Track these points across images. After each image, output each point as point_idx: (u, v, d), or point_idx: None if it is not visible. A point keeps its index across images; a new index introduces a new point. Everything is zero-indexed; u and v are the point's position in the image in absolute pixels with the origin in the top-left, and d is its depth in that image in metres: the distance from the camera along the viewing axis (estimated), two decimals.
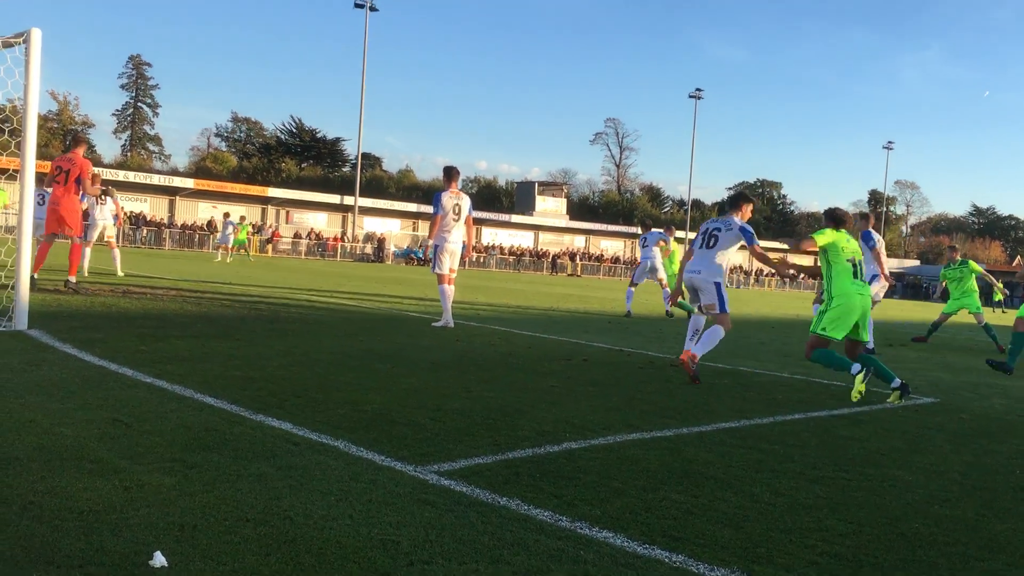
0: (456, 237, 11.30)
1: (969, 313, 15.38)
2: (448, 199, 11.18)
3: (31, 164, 7.95)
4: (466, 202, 11.39)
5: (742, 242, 8.63)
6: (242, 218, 39.01)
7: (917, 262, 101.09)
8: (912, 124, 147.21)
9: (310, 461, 4.00)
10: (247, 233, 38.81)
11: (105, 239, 17.08)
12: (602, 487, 3.95)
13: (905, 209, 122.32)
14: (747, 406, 6.57)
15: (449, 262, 11.28)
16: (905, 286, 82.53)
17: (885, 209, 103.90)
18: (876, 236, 11.74)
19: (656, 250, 16.63)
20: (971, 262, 15.36)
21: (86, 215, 15.18)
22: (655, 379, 7.67)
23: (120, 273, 16.49)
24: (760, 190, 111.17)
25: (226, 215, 35.59)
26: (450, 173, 11.40)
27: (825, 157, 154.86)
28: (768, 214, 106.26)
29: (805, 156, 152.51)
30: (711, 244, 8.56)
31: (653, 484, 4.07)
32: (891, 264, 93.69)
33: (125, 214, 19.76)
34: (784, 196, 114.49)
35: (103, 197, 15.94)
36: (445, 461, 4.19)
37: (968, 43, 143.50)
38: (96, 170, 12.40)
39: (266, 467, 3.84)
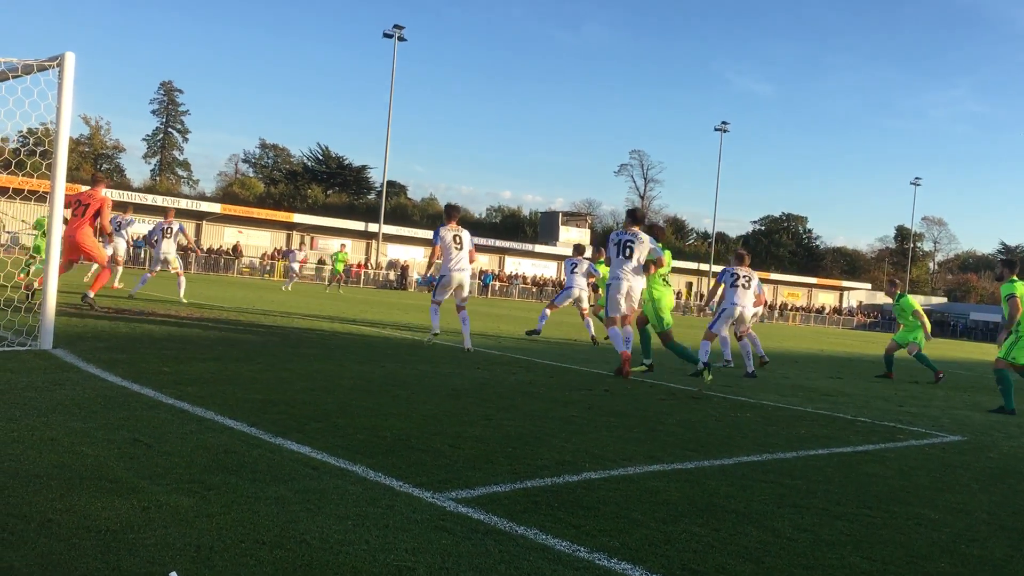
0: (460, 265, 12.00)
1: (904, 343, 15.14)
2: (447, 231, 11.98)
3: (61, 187, 8.06)
4: (466, 235, 12.22)
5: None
6: (342, 246, 37.53)
7: (944, 299, 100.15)
8: (940, 160, 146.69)
9: (328, 485, 3.99)
10: (343, 263, 36.30)
11: (171, 269, 17.67)
12: (621, 518, 3.90)
13: (933, 246, 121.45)
14: (770, 440, 6.49)
15: (456, 291, 12.18)
16: (933, 324, 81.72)
17: (912, 245, 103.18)
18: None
19: (583, 280, 16.26)
20: (908, 297, 15.32)
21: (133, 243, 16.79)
22: (677, 411, 7.61)
23: (184, 300, 16.89)
24: (785, 224, 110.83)
25: (342, 246, 34.00)
26: (450, 212, 12.36)
27: (851, 192, 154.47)
28: (793, 248, 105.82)
29: (831, 191, 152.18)
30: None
31: (673, 516, 4.01)
32: (918, 301, 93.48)
33: (191, 245, 19.70)
34: (810, 231, 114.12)
35: (115, 232, 16.94)
36: (463, 488, 4.16)
37: (996, 81, 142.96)
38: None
39: (284, 490, 3.83)
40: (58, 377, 6.38)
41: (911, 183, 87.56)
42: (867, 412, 8.79)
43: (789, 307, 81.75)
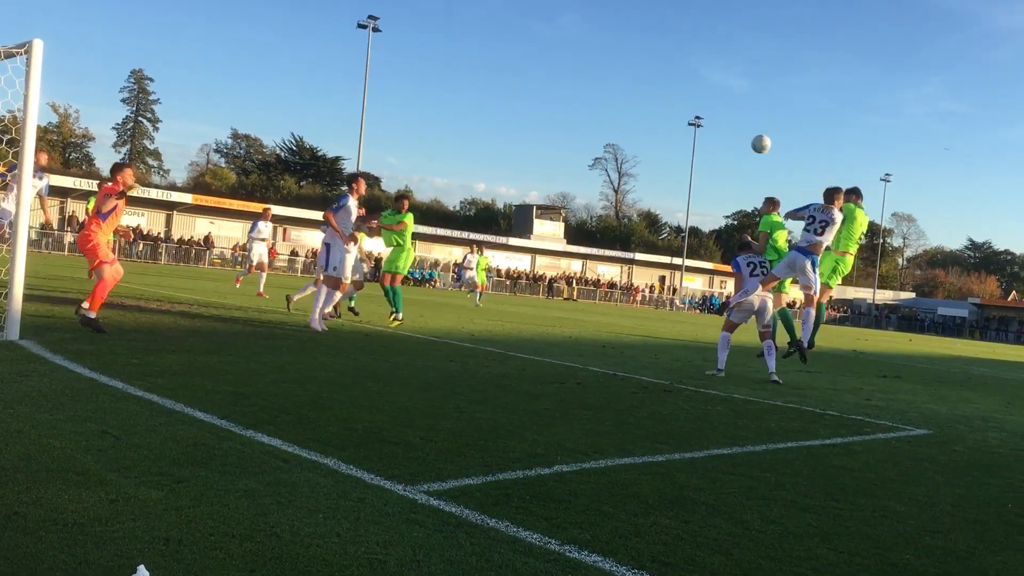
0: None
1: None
2: (353, 202, 12.04)
3: (28, 174, 7.95)
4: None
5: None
6: (479, 248, 30.05)
7: (913, 294, 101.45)
8: (910, 157, 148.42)
9: (299, 478, 3.98)
10: (484, 269, 29.96)
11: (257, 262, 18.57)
12: (592, 511, 3.92)
13: (902, 241, 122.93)
14: (739, 433, 6.55)
15: (355, 266, 12.38)
16: (900, 318, 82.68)
17: (882, 241, 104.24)
18: None
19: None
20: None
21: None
22: (648, 404, 7.65)
23: (265, 295, 17.68)
24: (758, 219, 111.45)
25: (473, 247, 28.62)
26: (356, 179, 12.58)
27: (823, 187, 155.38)
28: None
29: (804, 185, 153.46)
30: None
31: (644, 509, 4.04)
32: (887, 296, 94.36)
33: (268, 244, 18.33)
34: None
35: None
36: (435, 481, 4.16)
37: (968, 79, 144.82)
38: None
39: (254, 483, 3.81)
40: (24, 368, 6.30)
41: (881, 179, 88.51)
42: (835, 406, 8.89)
43: None
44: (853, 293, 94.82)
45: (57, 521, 3.10)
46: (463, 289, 27.68)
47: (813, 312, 10.95)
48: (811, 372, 12.98)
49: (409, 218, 14.43)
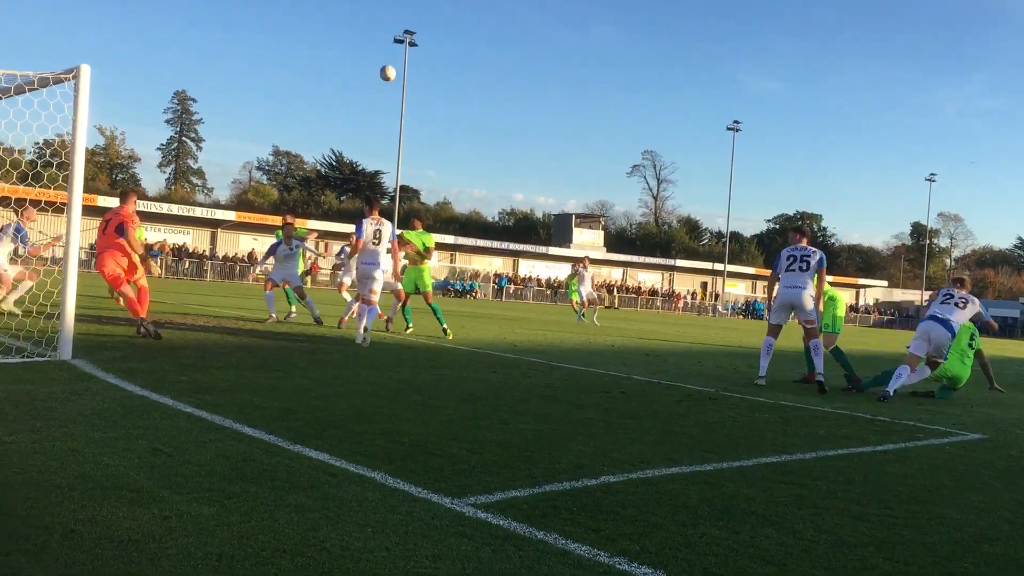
0: (375, 261, 12.07)
1: None
2: (368, 224, 12.01)
3: (78, 198, 8.13)
4: (387, 228, 12.24)
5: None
6: (586, 259, 27.24)
7: None
8: (955, 156, 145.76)
9: (347, 492, 4.00)
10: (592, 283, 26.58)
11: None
12: (641, 522, 3.89)
13: (949, 242, 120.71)
14: (789, 441, 6.46)
15: (365, 284, 12.05)
16: None
17: (928, 242, 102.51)
18: None
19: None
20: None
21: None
22: (694, 412, 7.58)
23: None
24: (800, 222, 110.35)
25: (584, 261, 26.08)
26: (371, 201, 12.65)
27: (866, 189, 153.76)
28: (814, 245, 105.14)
29: (845, 188, 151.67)
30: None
31: (693, 519, 4.00)
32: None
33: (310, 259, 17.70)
34: (824, 229, 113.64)
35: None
36: (482, 493, 4.16)
37: (1011, 76, 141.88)
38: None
39: (303, 498, 3.84)
40: (78, 387, 6.42)
41: (926, 179, 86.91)
42: (886, 411, 8.74)
43: None
44: (900, 295, 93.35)
45: (113, 538, 3.15)
46: (585, 305, 24.96)
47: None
48: (861, 376, 12.76)
49: (429, 239, 15.03)
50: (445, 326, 14.70)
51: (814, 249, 10.50)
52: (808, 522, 4.11)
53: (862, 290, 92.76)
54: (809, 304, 10.22)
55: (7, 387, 6.22)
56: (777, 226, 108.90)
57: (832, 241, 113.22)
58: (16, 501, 3.50)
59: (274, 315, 14.92)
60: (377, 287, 12.07)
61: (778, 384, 10.50)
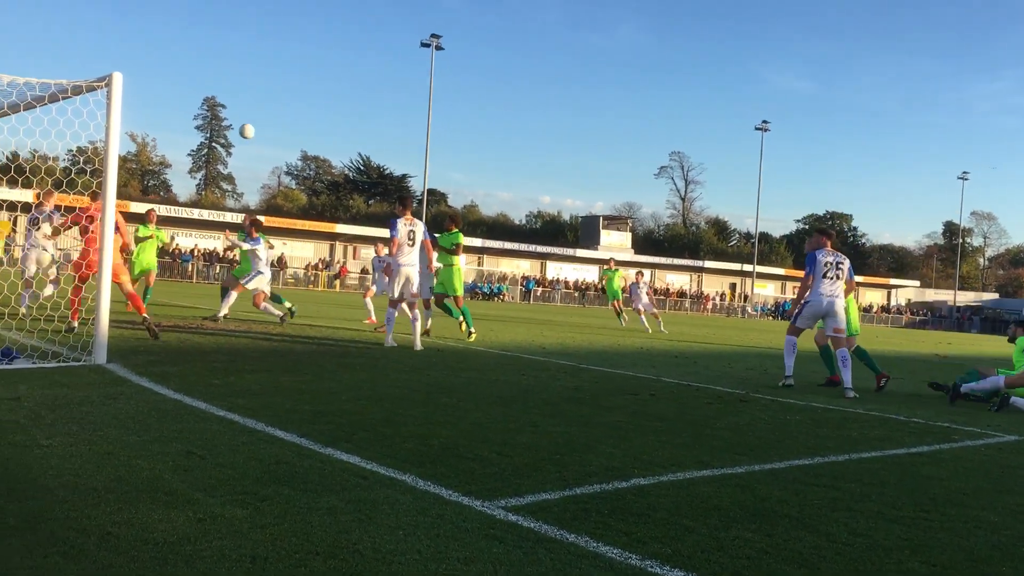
0: (411, 261, 12.02)
1: None
2: (403, 225, 11.96)
3: (111, 204, 8.23)
4: (420, 228, 12.19)
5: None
6: (612, 261, 27.13)
7: (996, 295, 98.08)
8: (988, 154, 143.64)
9: (378, 495, 4.02)
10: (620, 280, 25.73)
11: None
12: (672, 524, 3.87)
13: (982, 241, 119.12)
14: (821, 443, 6.40)
15: (403, 287, 12.02)
16: (983, 320, 79.98)
17: (961, 241, 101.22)
18: None
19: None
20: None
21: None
22: (724, 415, 7.54)
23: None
24: (830, 222, 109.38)
25: (640, 272, 25.10)
26: (403, 201, 12.51)
27: (896, 188, 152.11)
28: (838, 246, 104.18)
29: (876, 187, 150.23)
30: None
31: (725, 522, 3.97)
32: (968, 298, 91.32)
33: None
34: (855, 228, 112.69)
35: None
36: (512, 496, 4.16)
37: None
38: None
39: (335, 500, 3.87)
40: (112, 391, 6.50)
41: (958, 177, 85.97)
42: (920, 412, 8.64)
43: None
44: (933, 296, 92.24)
45: (148, 540, 3.18)
46: (641, 312, 24.18)
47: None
48: (893, 378, 12.62)
49: (460, 237, 14.80)
50: (472, 329, 14.71)
51: (844, 256, 10.49)
52: (842, 525, 4.07)
53: (894, 290, 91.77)
54: (842, 313, 10.19)
55: (44, 391, 6.31)
56: (806, 226, 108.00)
57: (863, 241, 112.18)
58: (54, 504, 3.55)
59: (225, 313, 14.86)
60: (417, 289, 12.15)
61: (808, 386, 10.41)
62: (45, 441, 4.67)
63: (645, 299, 24.12)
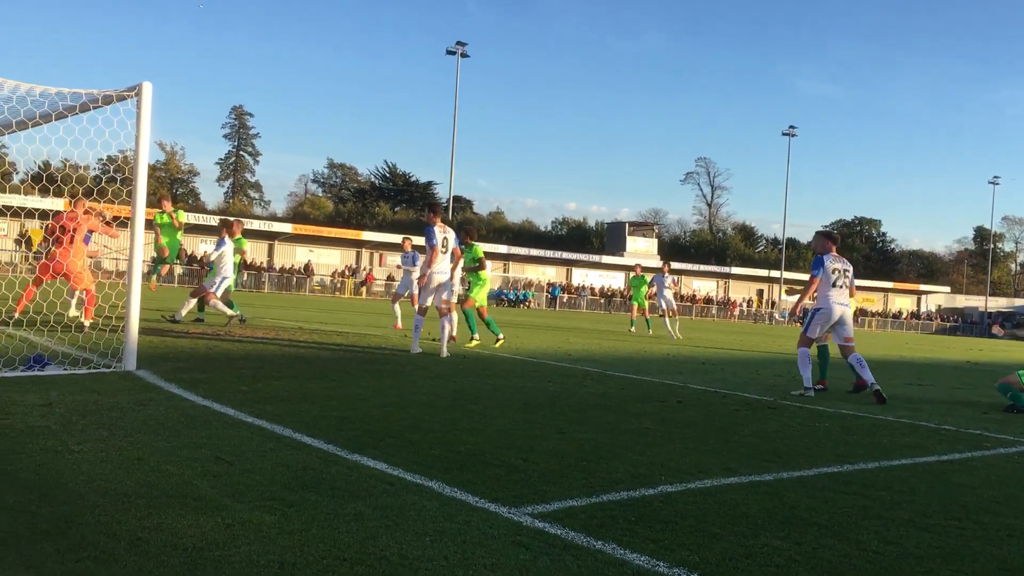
0: (443, 268, 12.04)
1: None
2: (438, 232, 11.99)
3: (142, 212, 8.32)
4: (452, 235, 12.28)
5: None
6: (638, 267, 26.37)
7: None
8: (1020, 158, 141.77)
9: (405, 501, 4.02)
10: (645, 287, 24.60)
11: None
12: (700, 532, 3.85)
13: (1014, 246, 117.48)
14: (850, 450, 6.33)
15: (435, 295, 12.05)
16: (1016, 325, 78.88)
17: (992, 246, 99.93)
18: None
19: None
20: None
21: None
22: (752, 421, 7.48)
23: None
24: (858, 228, 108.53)
25: (666, 266, 24.45)
26: (434, 208, 12.49)
27: (926, 193, 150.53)
28: (867, 252, 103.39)
29: (905, 192, 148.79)
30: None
31: (753, 530, 3.94)
32: (999, 304, 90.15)
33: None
34: (884, 234, 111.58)
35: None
36: (539, 503, 4.15)
37: None
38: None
39: (362, 506, 3.88)
40: (142, 397, 6.57)
41: (989, 182, 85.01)
42: (951, 419, 8.53)
43: (866, 312, 79.82)
44: (964, 302, 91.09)
45: (177, 546, 3.21)
46: (659, 315, 23.57)
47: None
48: (923, 385, 12.49)
49: (479, 251, 14.87)
50: (476, 335, 14.53)
51: (848, 262, 10.39)
52: (872, 533, 4.03)
53: (924, 296, 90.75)
54: (851, 321, 10.15)
55: (75, 397, 6.39)
56: (835, 231, 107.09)
57: (892, 247, 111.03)
58: (85, 509, 3.59)
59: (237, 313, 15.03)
60: (449, 296, 12.17)
61: (837, 393, 10.32)
62: (76, 446, 4.73)
63: (668, 295, 23.36)
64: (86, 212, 12.55)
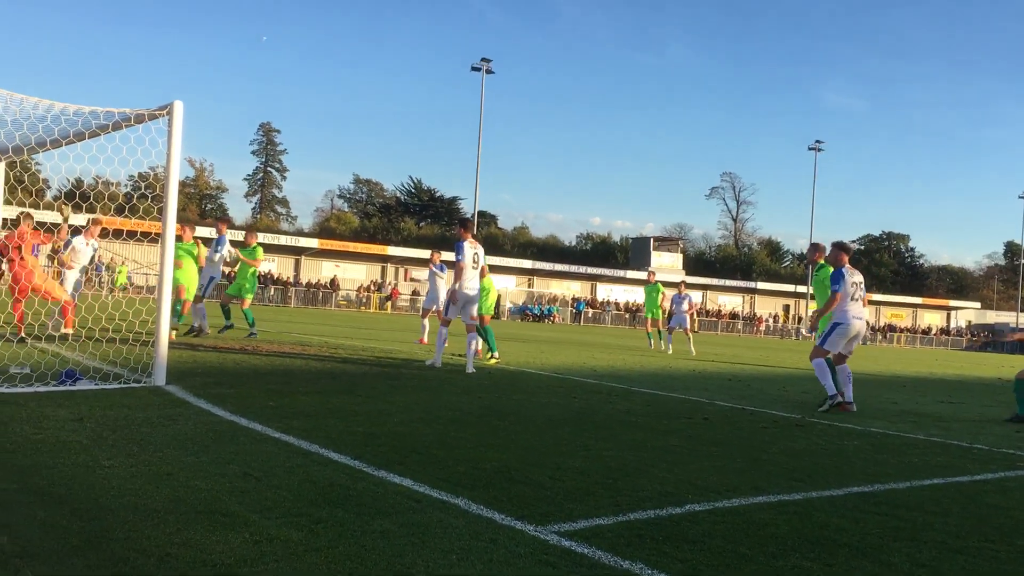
0: (473, 285, 12.09)
1: None
2: (468, 248, 12.01)
3: (172, 228, 8.42)
4: (481, 250, 12.32)
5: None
6: (650, 276, 25.18)
7: None
8: None
9: (431, 518, 4.02)
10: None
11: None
12: (728, 552, 3.81)
13: None
14: (880, 469, 6.26)
15: (464, 310, 12.07)
16: None
17: (1023, 262, 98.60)
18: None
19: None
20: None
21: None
22: (780, 440, 7.41)
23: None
24: (886, 243, 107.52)
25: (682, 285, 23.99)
26: (466, 224, 12.56)
27: (956, 208, 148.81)
28: (896, 267, 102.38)
29: (934, 207, 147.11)
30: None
31: (783, 550, 3.90)
32: None
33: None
34: (912, 249, 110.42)
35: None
36: (565, 521, 4.14)
37: None
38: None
39: (389, 524, 3.88)
40: (171, 412, 6.62)
41: (1020, 196, 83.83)
42: (983, 439, 8.40)
43: (894, 328, 79.03)
44: (994, 318, 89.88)
45: (206, 562, 3.22)
46: (671, 331, 23.08)
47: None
48: (954, 403, 12.32)
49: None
50: (495, 353, 14.39)
51: (860, 274, 10.43)
52: (904, 555, 3.97)
53: (953, 312, 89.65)
54: (863, 333, 10.30)
55: (106, 412, 6.45)
56: (862, 246, 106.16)
57: (921, 262, 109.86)
58: (115, 524, 3.62)
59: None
60: (475, 312, 12.19)
61: (867, 411, 10.20)
62: (107, 461, 4.77)
63: (683, 314, 22.89)
64: (34, 229, 12.52)
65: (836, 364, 10.07)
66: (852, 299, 9.96)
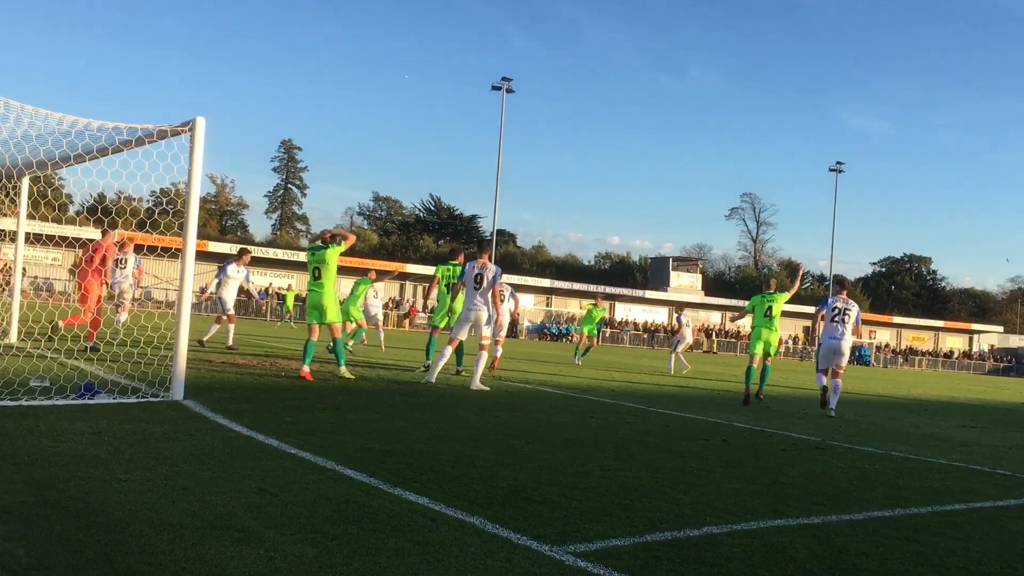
0: (474, 304, 12.14)
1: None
2: (470, 268, 12.31)
3: (192, 243, 8.47)
4: (489, 272, 12.28)
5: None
6: (597, 299, 25.25)
7: None
8: None
9: (447, 537, 4.00)
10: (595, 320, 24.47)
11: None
12: (747, 575, 3.76)
13: None
14: (902, 494, 6.18)
15: (464, 328, 12.23)
16: None
17: None
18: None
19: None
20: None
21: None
22: (799, 462, 7.34)
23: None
24: (908, 265, 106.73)
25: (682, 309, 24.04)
26: (480, 245, 13.04)
27: (978, 230, 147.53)
28: (917, 290, 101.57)
29: (956, 229, 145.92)
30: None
31: (802, 574, 3.85)
32: None
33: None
34: (934, 272, 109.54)
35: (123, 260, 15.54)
36: (581, 542, 4.10)
37: None
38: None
39: (404, 542, 3.86)
40: (188, 427, 6.64)
41: None
42: (1006, 463, 8.29)
43: (916, 351, 78.34)
44: (1017, 342, 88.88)
45: None
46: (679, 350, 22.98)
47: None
48: (976, 427, 12.17)
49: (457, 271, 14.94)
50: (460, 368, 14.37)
51: (854, 304, 12.69)
52: None
53: (976, 336, 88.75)
54: (846, 352, 12.48)
55: (123, 426, 6.47)
56: (883, 269, 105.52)
57: (943, 285, 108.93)
58: (131, 538, 3.62)
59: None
60: (486, 331, 12.12)
61: (888, 435, 10.09)
62: (123, 475, 4.78)
63: (687, 336, 23.14)
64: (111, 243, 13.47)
65: (831, 378, 12.45)
66: (832, 321, 12.40)
